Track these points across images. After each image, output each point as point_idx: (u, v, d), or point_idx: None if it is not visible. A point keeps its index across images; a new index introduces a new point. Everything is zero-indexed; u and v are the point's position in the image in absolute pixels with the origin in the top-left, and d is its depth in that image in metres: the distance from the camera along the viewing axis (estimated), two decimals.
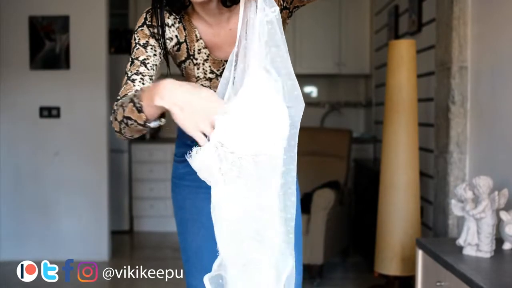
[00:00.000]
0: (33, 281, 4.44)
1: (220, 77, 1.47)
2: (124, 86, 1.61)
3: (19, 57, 4.88)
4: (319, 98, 6.74)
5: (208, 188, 1.53)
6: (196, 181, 1.53)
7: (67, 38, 4.86)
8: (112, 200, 5.22)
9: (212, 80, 1.70)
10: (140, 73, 1.61)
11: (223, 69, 1.58)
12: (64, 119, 4.93)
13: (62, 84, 4.91)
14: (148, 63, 1.63)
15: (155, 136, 6.53)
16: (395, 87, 3.54)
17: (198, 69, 1.70)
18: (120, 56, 6.07)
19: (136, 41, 1.66)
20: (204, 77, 1.69)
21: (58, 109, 4.91)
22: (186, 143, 1.84)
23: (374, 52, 6.20)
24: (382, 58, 5.42)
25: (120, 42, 6.39)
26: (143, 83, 1.60)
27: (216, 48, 1.72)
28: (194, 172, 1.48)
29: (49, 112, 4.92)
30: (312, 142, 4.88)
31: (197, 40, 1.70)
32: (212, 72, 1.71)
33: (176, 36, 1.70)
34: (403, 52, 3.51)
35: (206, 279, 1.49)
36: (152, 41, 1.66)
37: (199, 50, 1.71)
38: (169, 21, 1.69)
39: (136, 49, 1.65)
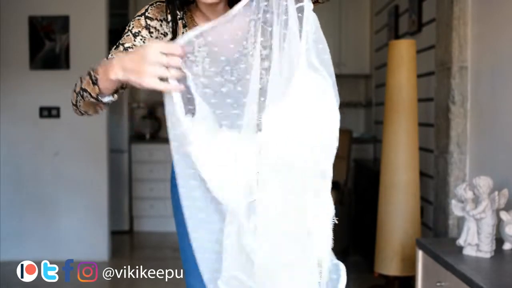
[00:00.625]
0: (33, 281, 4.44)
1: (220, 76, 1.45)
2: None
3: (19, 57, 4.88)
4: None
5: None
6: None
7: (67, 38, 4.86)
8: (112, 200, 5.21)
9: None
10: None
11: (222, 68, 1.54)
12: (64, 119, 4.93)
13: (62, 84, 4.90)
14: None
15: (155, 136, 6.52)
16: (395, 87, 3.54)
17: (197, 66, 1.69)
18: None
19: (129, 28, 1.68)
20: (203, 75, 1.68)
21: (58, 109, 4.91)
22: None
23: (374, 52, 6.19)
24: (382, 58, 5.41)
25: None
26: None
27: (218, 47, 1.71)
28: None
29: (49, 112, 4.91)
30: None
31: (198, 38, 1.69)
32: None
33: (169, 32, 1.70)
34: (403, 52, 3.51)
35: (221, 284, 1.47)
36: (144, 32, 1.66)
37: (199, 47, 1.71)
38: (169, 16, 1.68)
39: (126, 36, 1.67)
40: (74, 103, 1.60)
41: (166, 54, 1.36)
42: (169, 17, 1.67)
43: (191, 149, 1.38)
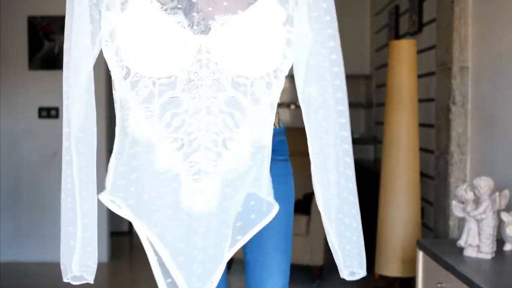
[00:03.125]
0: (32, 281, 4.45)
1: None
2: None
3: (18, 57, 4.87)
4: None
5: None
6: None
7: None
8: None
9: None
10: None
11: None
12: (63, 119, 4.91)
13: (61, 84, 4.88)
14: None
15: None
16: (395, 87, 3.53)
17: None
18: None
19: None
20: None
21: (57, 109, 4.91)
22: None
23: (374, 52, 6.19)
24: (383, 58, 5.41)
25: None
26: None
27: None
28: None
29: (48, 113, 4.91)
30: None
31: None
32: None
33: None
34: (404, 52, 3.50)
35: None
36: None
37: None
38: None
39: None
40: None
41: None
42: None
43: (121, 16, 1.25)
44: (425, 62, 3.92)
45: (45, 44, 4.86)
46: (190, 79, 1.24)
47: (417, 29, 4.20)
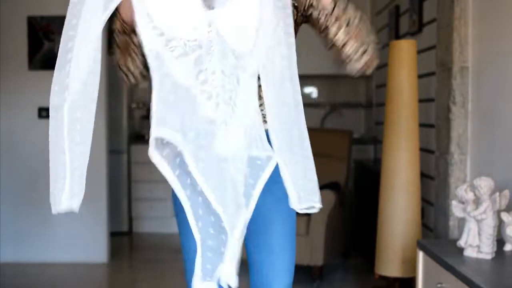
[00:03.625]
0: (32, 282, 4.45)
1: None
2: None
3: (18, 57, 4.87)
4: (319, 98, 6.72)
5: None
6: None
7: None
8: (111, 201, 5.20)
9: None
10: None
11: None
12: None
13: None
14: None
15: None
16: (395, 87, 3.53)
17: None
18: None
19: None
20: None
21: None
22: None
23: None
24: (383, 58, 5.40)
25: None
26: None
27: None
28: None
29: (48, 113, 4.89)
30: (312, 143, 4.82)
31: None
32: None
33: None
34: (404, 53, 3.50)
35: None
36: None
37: None
38: None
39: None
40: (117, 60, 1.74)
41: None
42: None
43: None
44: (425, 62, 3.92)
45: (44, 44, 4.86)
46: (207, 44, 1.43)
47: (417, 29, 4.20)
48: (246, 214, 1.46)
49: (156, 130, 1.37)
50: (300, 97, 1.56)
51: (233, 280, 1.45)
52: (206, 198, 1.41)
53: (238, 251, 1.45)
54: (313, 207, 1.57)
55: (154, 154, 1.38)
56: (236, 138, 1.45)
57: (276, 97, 1.52)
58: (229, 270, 1.44)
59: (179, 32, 1.41)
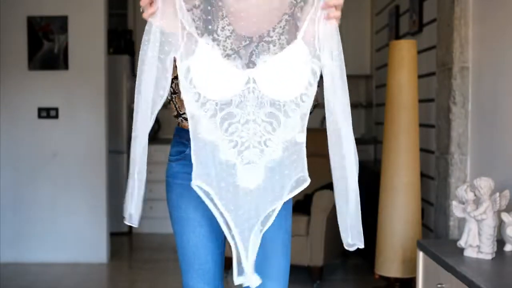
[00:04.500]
0: (32, 282, 4.44)
1: (237, 56, 1.73)
2: None
3: (17, 57, 4.87)
4: (320, 99, 6.71)
5: None
6: (190, 179, 1.57)
7: (66, 38, 4.84)
8: (111, 201, 5.19)
9: (231, 57, 1.74)
10: None
11: (244, 45, 1.76)
12: (62, 120, 4.91)
13: (61, 84, 4.90)
14: None
15: (154, 137, 6.51)
16: (395, 87, 3.52)
17: (218, 45, 1.76)
18: (119, 57, 6.06)
19: None
20: (223, 54, 1.74)
21: (56, 109, 4.90)
22: (182, 142, 1.87)
23: (374, 53, 6.18)
24: (383, 58, 5.40)
25: (119, 42, 6.37)
26: None
27: (241, 25, 1.78)
28: (189, 171, 1.64)
29: (47, 113, 4.90)
30: (312, 143, 4.81)
31: (222, 18, 1.76)
32: (232, 49, 1.76)
33: (202, 16, 1.75)
34: (404, 53, 3.50)
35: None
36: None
37: (223, 27, 1.76)
38: (196, 2, 1.74)
39: None
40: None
41: None
42: None
43: (191, 59, 1.68)
44: (426, 62, 3.91)
45: (44, 44, 4.85)
46: (241, 101, 1.69)
47: (417, 29, 4.20)
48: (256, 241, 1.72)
49: (193, 181, 1.69)
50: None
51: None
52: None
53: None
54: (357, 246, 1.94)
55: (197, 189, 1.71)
56: (262, 175, 1.73)
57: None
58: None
59: (213, 96, 1.68)
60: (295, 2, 1.80)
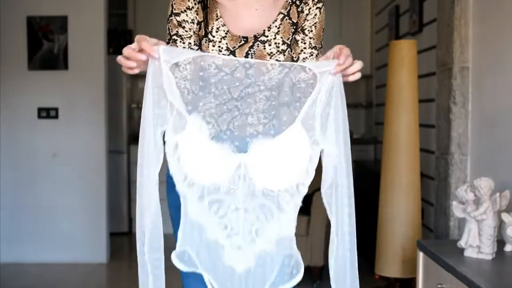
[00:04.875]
0: (32, 282, 4.44)
1: (234, 55, 1.66)
2: None
3: (17, 57, 4.86)
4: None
5: None
6: None
7: (66, 38, 4.84)
8: (111, 202, 5.19)
9: (227, 58, 1.68)
10: None
11: (239, 45, 1.72)
12: (62, 120, 4.91)
13: (61, 84, 4.89)
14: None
15: None
16: (395, 87, 3.52)
17: (213, 46, 1.75)
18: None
19: (169, 32, 1.78)
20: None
21: (56, 110, 4.90)
22: None
23: (374, 53, 6.18)
24: (383, 58, 5.40)
25: (118, 42, 6.36)
26: None
27: (236, 25, 1.77)
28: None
29: (47, 113, 4.90)
30: None
31: (217, 19, 1.76)
32: (227, 49, 1.75)
33: (196, 18, 1.76)
34: (404, 53, 3.49)
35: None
36: (181, 31, 1.75)
37: (218, 28, 1.76)
38: (189, 3, 1.75)
39: (172, 41, 1.76)
40: None
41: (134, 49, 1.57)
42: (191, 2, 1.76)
43: (179, 136, 1.57)
44: (426, 62, 3.91)
45: (44, 44, 4.85)
46: (230, 188, 1.59)
47: (417, 29, 4.19)
48: None
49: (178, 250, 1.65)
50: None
51: None
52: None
53: None
54: None
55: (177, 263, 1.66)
56: (252, 261, 1.63)
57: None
58: None
59: (200, 180, 1.58)
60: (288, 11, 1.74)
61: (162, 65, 1.53)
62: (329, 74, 1.59)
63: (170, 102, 1.54)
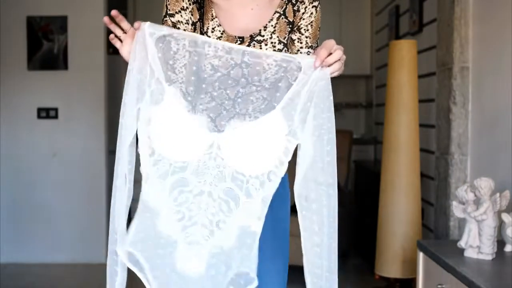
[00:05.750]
0: (32, 282, 4.44)
1: (230, 55, 1.59)
2: None
3: (17, 57, 4.86)
4: None
5: None
6: None
7: (65, 38, 4.84)
8: (110, 202, 5.19)
9: (223, 58, 1.64)
10: None
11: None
12: (62, 120, 4.91)
13: (60, 84, 4.89)
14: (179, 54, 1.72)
15: None
16: (396, 87, 3.52)
17: (209, 46, 1.70)
18: (118, 57, 5.98)
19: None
20: (215, 55, 1.65)
21: (56, 110, 4.89)
22: None
23: (374, 53, 6.18)
24: (383, 58, 5.40)
25: None
26: None
27: (231, 25, 1.77)
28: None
29: (47, 113, 4.89)
30: None
31: (212, 19, 1.75)
32: (223, 49, 1.73)
33: (190, 18, 1.75)
34: (404, 53, 3.49)
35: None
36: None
37: (213, 28, 1.76)
38: (184, 4, 1.74)
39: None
40: None
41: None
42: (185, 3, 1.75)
43: (153, 110, 1.52)
44: (426, 62, 3.91)
45: (44, 44, 4.85)
46: (199, 166, 1.52)
47: (417, 29, 4.19)
48: None
49: (121, 246, 1.61)
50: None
51: None
52: None
53: None
54: None
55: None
56: (205, 261, 1.53)
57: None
58: None
59: (168, 154, 1.52)
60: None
61: (146, 37, 1.52)
62: (314, 69, 1.53)
63: (150, 67, 1.51)
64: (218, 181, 1.53)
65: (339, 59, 1.56)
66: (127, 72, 1.54)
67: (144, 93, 1.52)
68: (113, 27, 1.62)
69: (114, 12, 1.59)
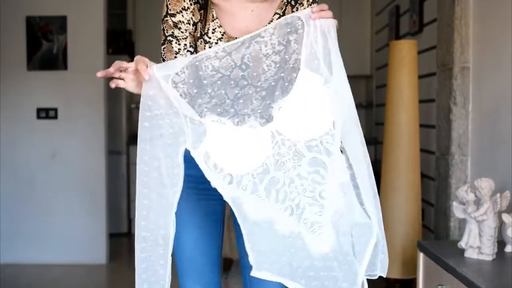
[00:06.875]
0: (31, 283, 4.43)
1: (230, 56, 1.60)
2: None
3: (16, 57, 4.86)
4: None
5: (200, 188, 1.72)
6: (189, 181, 1.56)
7: (65, 38, 4.84)
8: (110, 202, 5.19)
9: (223, 59, 1.66)
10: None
11: (236, 48, 1.68)
12: (61, 120, 4.90)
13: (60, 85, 4.89)
14: (181, 54, 1.75)
15: None
16: (396, 88, 3.51)
17: (209, 47, 1.74)
18: (118, 57, 6.03)
19: (164, 32, 1.78)
20: (215, 56, 1.66)
21: (55, 110, 4.89)
22: None
23: (374, 53, 6.17)
24: (383, 58, 5.39)
25: (118, 43, 6.36)
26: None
27: (232, 26, 1.77)
28: (188, 173, 1.57)
29: (46, 113, 4.89)
30: None
31: (213, 20, 1.76)
32: (224, 50, 1.73)
33: (192, 18, 1.76)
34: (404, 53, 3.48)
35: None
36: (176, 32, 1.75)
37: (214, 29, 1.76)
38: (185, 4, 1.74)
39: (168, 43, 1.76)
40: None
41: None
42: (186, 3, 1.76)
43: (205, 144, 1.54)
44: (426, 63, 3.91)
45: (43, 45, 4.84)
46: (275, 159, 1.55)
47: (417, 29, 4.19)
48: None
49: (257, 273, 1.52)
50: None
51: None
52: None
53: None
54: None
55: None
56: (333, 232, 1.55)
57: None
58: None
59: (245, 169, 1.54)
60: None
61: (160, 81, 1.52)
62: (312, 17, 1.58)
63: (183, 114, 1.53)
64: (298, 160, 1.56)
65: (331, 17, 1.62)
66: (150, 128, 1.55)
67: (184, 135, 1.53)
68: (110, 74, 1.70)
69: (100, 74, 1.71)
